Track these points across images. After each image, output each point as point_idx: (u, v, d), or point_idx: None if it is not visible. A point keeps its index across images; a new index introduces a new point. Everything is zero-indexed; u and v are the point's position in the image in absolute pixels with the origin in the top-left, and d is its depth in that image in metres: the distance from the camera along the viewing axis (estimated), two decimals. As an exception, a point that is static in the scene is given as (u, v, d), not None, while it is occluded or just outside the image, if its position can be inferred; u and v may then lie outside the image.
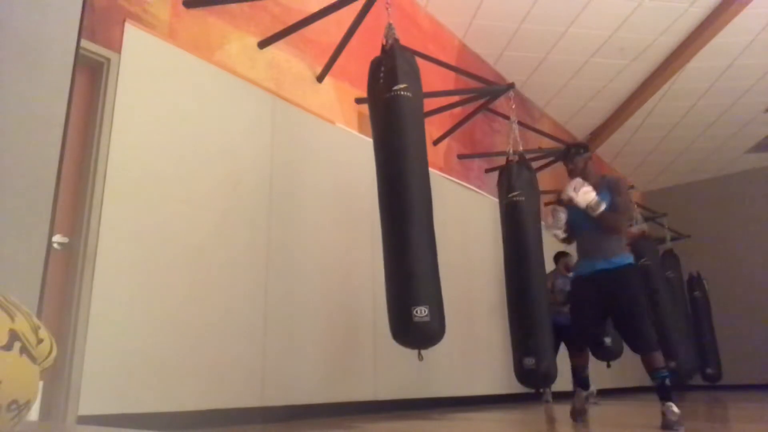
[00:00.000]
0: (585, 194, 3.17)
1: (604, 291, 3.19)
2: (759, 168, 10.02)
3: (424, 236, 3.05)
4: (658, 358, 3.05)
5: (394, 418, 3.78)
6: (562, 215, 3.36)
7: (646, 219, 8.65)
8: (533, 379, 4.11)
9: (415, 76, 3.29)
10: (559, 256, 5.87)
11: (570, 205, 3.30)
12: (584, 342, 3.41)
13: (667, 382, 2.99)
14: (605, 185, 3.29)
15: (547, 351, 4.09)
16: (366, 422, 3.41)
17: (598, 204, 3.15)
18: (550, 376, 4.14)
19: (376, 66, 3.35)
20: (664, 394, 2.96)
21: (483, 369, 5.49)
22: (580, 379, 3.45)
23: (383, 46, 3.34)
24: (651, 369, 3.05)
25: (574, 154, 3.41)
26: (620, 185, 3.29)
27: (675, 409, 2.85)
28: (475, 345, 5.22)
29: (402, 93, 3.16)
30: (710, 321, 8.63)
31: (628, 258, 3.23)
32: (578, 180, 3.24)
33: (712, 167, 10.16)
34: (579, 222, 3.34)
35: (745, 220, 9.83)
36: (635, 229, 7.16)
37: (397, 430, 3.14)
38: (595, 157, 8.84)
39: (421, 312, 2.87)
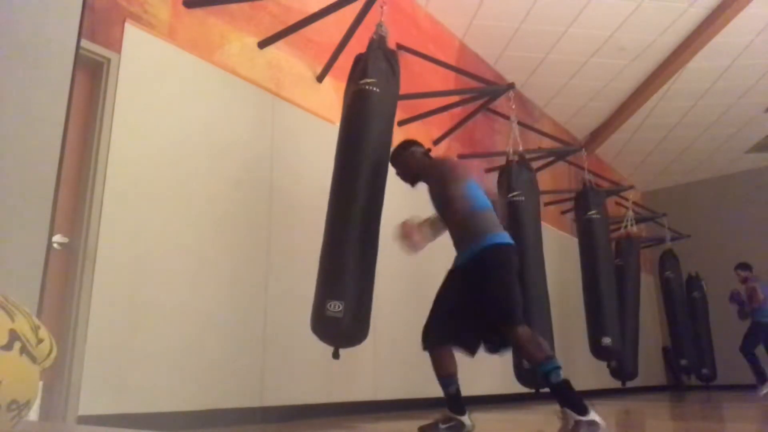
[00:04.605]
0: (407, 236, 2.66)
1: (465, 284, 2.67)
2: (759, 168, 10.01)
3: (360, 232, 2.91)
4: (528, 340, 2.24)
5: (394, 418, 3.78)
6: (423, 231, 2.77)
7: (646, 219, 8.63)
8: (533, 379, 4.11)
9: (390, 73, 3.18)
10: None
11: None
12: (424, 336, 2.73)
13: (554, 377, 2.16)
14: (435, 175, 2.81)
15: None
16: (366, 422, 3.41)
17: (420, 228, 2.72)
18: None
19: (355, 61, 3.30)
20: (554, 393, 2.17)
21: (483, 369, 5.46)
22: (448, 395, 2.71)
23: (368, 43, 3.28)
24: (528, 359, 2.21)
25: (393, 160, 2.99)
26: (439, 171, 2.78)
27: (580, 415, 2.06)
28: (475, 345, 5.21)
29: (368, 87, 3.06)
30: (707, 321, 8.65)
31: (490, 239, 2.61)
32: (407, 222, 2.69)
33: (712, 167, 10.14)
34: None
35: (745, 220, 9.80)
36: (623, 231, 7.15)
37: (397, 430, 3.13)
38: (595, 157, 8.84)
39: (335, 307, 2.74)
